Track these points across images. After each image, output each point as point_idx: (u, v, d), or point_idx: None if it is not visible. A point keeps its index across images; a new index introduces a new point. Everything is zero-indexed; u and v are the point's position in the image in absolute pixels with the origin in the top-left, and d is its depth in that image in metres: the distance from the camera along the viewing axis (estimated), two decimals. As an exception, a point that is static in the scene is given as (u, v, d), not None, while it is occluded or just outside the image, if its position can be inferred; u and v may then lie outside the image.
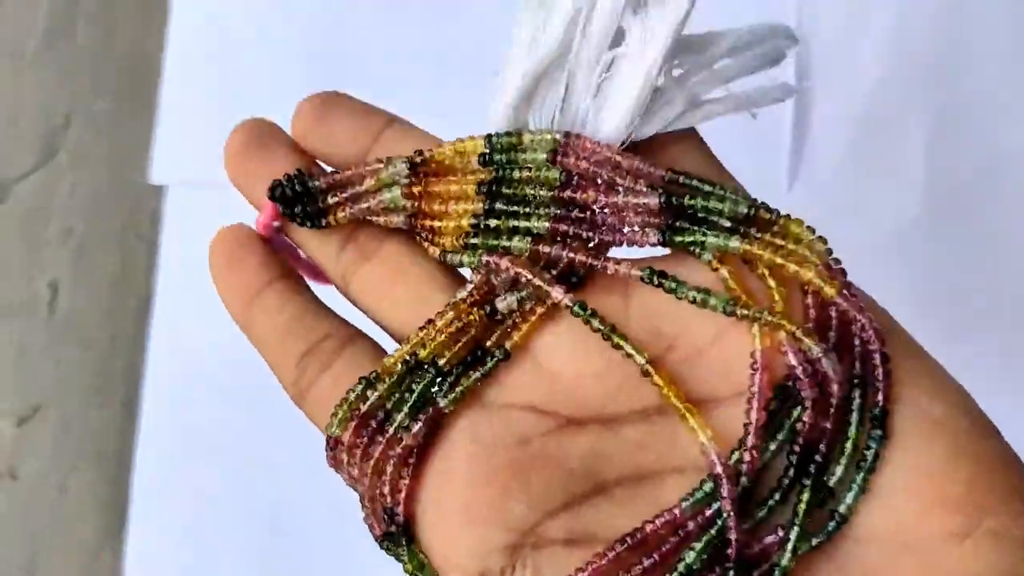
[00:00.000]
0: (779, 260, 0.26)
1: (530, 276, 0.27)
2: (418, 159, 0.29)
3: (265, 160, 0.31)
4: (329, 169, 0.31)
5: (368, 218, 0.30)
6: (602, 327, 0.27)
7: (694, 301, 0.26)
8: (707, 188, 0.27)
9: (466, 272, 0.29)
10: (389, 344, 0.30)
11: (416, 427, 0.27)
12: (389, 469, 0.27)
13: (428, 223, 0.29)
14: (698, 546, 0.25)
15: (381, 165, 0.29)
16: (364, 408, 0.28)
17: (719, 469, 0.25)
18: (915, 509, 0.25)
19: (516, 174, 0.28)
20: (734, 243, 0.26)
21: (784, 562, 0.25)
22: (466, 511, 0.27)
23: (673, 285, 0.26)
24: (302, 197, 0.30)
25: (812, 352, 0.25)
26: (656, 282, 0.26)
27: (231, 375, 0.53)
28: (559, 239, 0.27)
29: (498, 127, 0.28)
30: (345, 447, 0.28)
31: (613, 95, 0.27)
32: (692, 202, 0.26)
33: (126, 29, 0.56)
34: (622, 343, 0.27)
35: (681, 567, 0.25)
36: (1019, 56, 0.50)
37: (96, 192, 0.56)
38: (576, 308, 0.27)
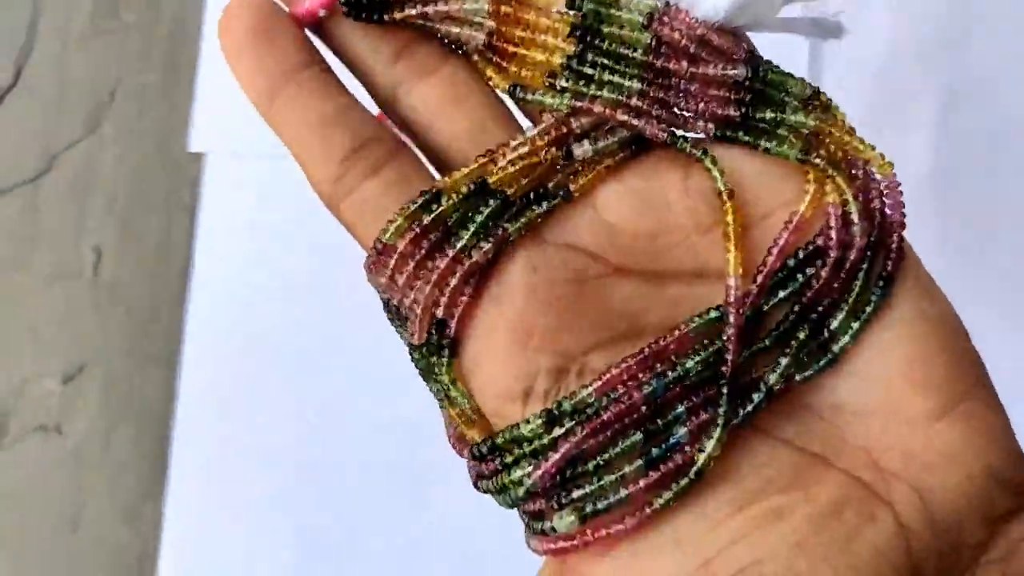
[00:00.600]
0: (846, 138, 0.28)
1: (626, 119, 0.28)
2: None
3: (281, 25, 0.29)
4: None
5: (436, 28, 0.28)
6: (695, 150, 0.28)
7: (768, 150, 0.28)
8: (780, 69, 0.28)
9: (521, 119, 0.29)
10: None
11: (487, 246, 0.27)
12: (453, 282, 0.27)
13: (510, 48, 0.28)
14: (698, 357, 0.27)
15: None
16: (427, 221, 0.27)
17: (732, 295, 0.27)
18: (901, 388, 0.28)
19: (607, 28, 0.28)
20: (810, 120, 0.28)
21: (771, 380, 0.28)
22: (520, 333, 0.28)
23: (749, 138, 0.28)
24: None
25: (852, 215, 0.28)
26: (733, 134, 0.28)
27: (267, 336, 0.56)
28: (646, 101, 0.28)
29: None
30: (398, 255, 0.28)
31: None
32: (774, 77, 0.28)
33: (170, 4, 0.59)
34: (708, 163, 0.28)
35: (679, 370, 0.27)
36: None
37: (139, 162, 0.58)
38: (668, 138, 0.28)
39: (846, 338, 0.28)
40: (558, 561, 0.29)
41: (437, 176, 0.29)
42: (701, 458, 0.27)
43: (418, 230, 0.27)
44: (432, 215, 0.27)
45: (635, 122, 0.28)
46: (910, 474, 0.27)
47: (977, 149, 0.51)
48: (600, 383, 0.27)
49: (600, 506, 0.27)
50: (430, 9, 0.28)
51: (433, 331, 0.28)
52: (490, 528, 0.50)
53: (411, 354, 0.29)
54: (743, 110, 0.28)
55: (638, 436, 0.27)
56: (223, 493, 0.55)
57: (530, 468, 0.27)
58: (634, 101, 0.28)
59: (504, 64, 0.29)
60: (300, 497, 0.54)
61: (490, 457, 0.28)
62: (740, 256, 0.28)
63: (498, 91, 0.29)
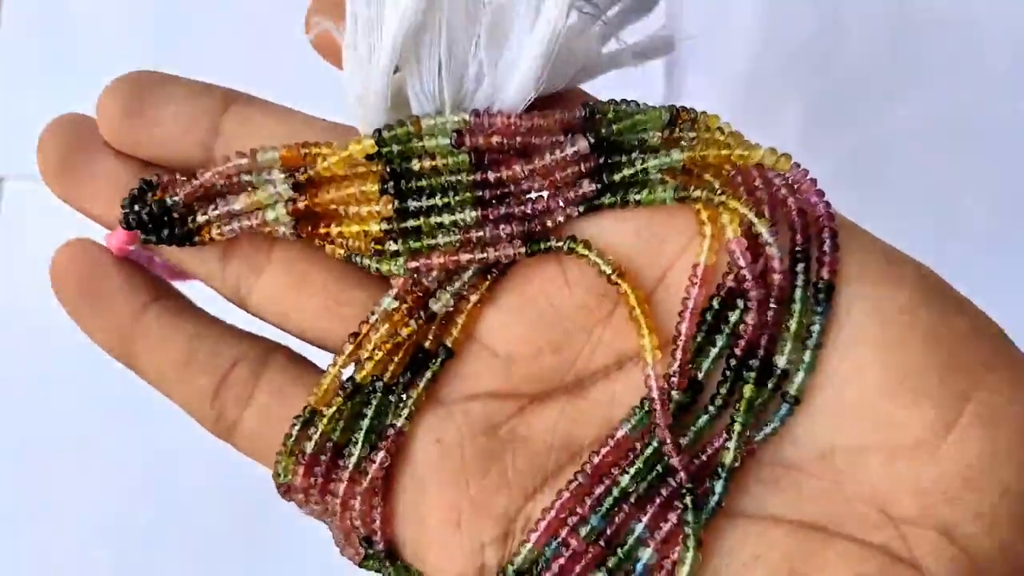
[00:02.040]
0: (724, 152, 0.24)
1: (469, 257, 0.25)
2: (302, 177, 0.25)
3: (90, 173, 0.26)
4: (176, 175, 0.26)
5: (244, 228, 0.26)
6: (561, 243, 0.25)
7: (639, 203, 0.24)
8: (625, 107, 0.25)
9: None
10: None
11: (380, 456, 0.26)
12: (358, 503, 0.26)
13: (324, 230, 0.26)
14: (632, 469, 0.24)
15: (244, 160, 0.25)
16: (309, 450, 0.26)
17: (653, 386, 0.24)
18: (889, 410, 0.23)
19: (416, 165, 0.24)
20: (676, 155, 0.24)
21: (728, 460, 0.24)
22: (449, 515, 0.25)
23: (619, 200, 0.24)
24: (162, 218, 0.26)
25: (764, 236, 0.24)
26: (599, 202, 0.24)
27: (72, 377, 0.49)
28: (488, 226, 0.25)
29: (372, 121, 0.25)
30: (299, 491, 0.26)
31: (511, 53, 0.24)
32: (620, 125, 0.24)
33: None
34: (587, 252, 0.24)
35: (615, 491, 0.24)
36: (893, 39, 0.51)
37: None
38: (529, 248, 0.25)
39: (801, 374, 0.23)
40: None
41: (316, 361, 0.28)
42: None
43: (304, 463, 0.26)
44: (312, 442, 0.26)
45: (483, 255, 0.25)
46: (931, 514, 0.22)
47: (840, 165, 0.50)
48: (537, 534, 0.24)
49: None
50: (232, 227, 0.26)
51: (366, 546, 0.26)
52: None
53: (363, 567, 0.27)
54: (600, 179, 0.24)
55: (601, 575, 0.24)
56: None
57: None
58: (475, 234, 0.25)
59: (330, 237, 0.26)
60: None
61: None
62: (655, 338, 0.24)
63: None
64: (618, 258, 0.24)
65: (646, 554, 0.24)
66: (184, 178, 0.26)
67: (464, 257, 0.25)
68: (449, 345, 0.26)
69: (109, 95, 0.26)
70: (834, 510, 0.23)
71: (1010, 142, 0.49)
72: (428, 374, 0.26)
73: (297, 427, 0.26)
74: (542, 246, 0.25)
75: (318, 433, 0.26)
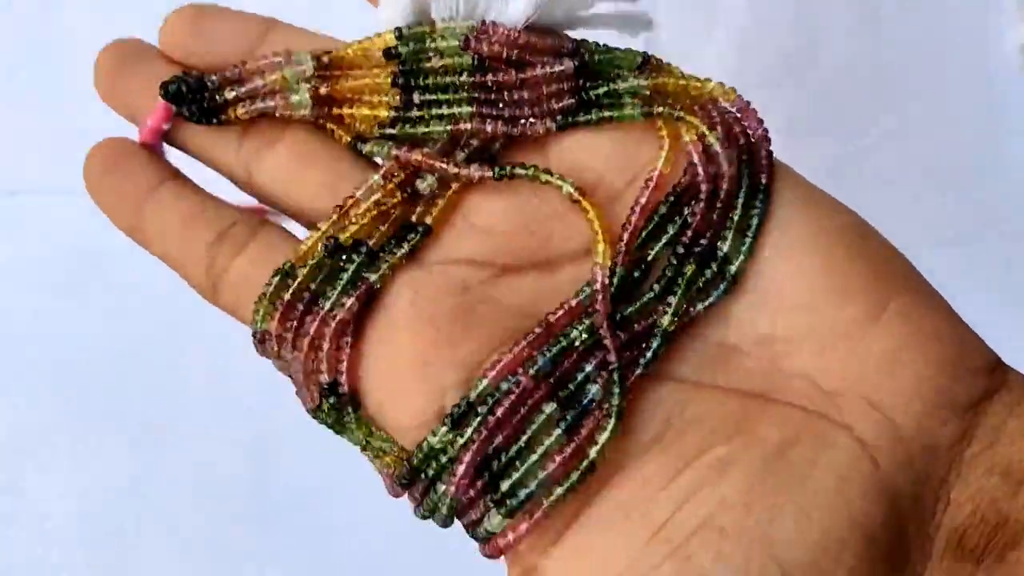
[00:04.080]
0: (682, 82, 0.29)
1: (441, 165, 0.28)
2: (325, 58, 0.29)
3: (142, 73, 0.30)
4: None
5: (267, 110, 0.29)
6: (526, 171, 0.28)
7: (611, 119, 0.28)
8: (606, 47, 0.29)
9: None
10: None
11: (349, 301, 0.28)
12: (326, 346, 0.28)
13: (338, 112, 0.29)
14: (581, 327, 0.27)
15: (280, 59, 0.29)
16: (287, 296, 0.28)
17: (598, 259, 0.27)
18: (823, 302, 0.26)
19: (428, 63, 0.29)
20: (643, 80, 0.28)
21: (665, 322, 0.27)
22: (416, 357, 0.27)
23: (595, 116, 0.28)
24: (197, 93, 0.29)
25: (713, 147, 0.27)
26: (575, 119, 0.28)
27: (53, 389, 0.50)
28: (480, 118, 0.29)
29: (395, 21, 0.29)
30: (273, 337, 0.28)
31: None
32: (600, 57, 0.29)
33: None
34: (549, 178, 0.28)
35: (564, 341, 0.27)
36: (873, 49, 0.51)
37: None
38: (496, 173, 0.28)
39: (740, 257, 0.27)
40: (513, 564, 0.27)
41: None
42: (612, 413, 0.26)
43: (282, 309, 0.28)
44: (290, 290, 0.28)
45: (455, 171, 0.28)
46: (858, 388, 0.26)
47: (821, 175, 0.50)
48: (494, 372, 0.27)
49: (522, 495, 0.26)
50: (256, 107, 0.29)
51: (328, 394, 0.28)
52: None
53: (315, 417, 0.29)
54: (579, 95, 0.28)
55: (552, 407, 0.27)
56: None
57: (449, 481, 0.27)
58: (461, 125, 0.29)
59: (343, 120, 0.29)
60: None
61: (416, 481, 0.27)
62: (608, 246, 0.27)
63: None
64: (585, 168, 0.28)
65: (593, 389, 0.27)
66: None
67: (437, 165, 0.28)
68: (428, 222, 0.29)
69: (176, 14, 0.30)
70: (772, 384, 0.27)
71: (991, 151, 0.50)
72: (406, 246, 0.28)
73: (277, 278, 0.28)
74: (508, 171, 0.28)
75: (296, 283, 0.28)
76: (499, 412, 0.26)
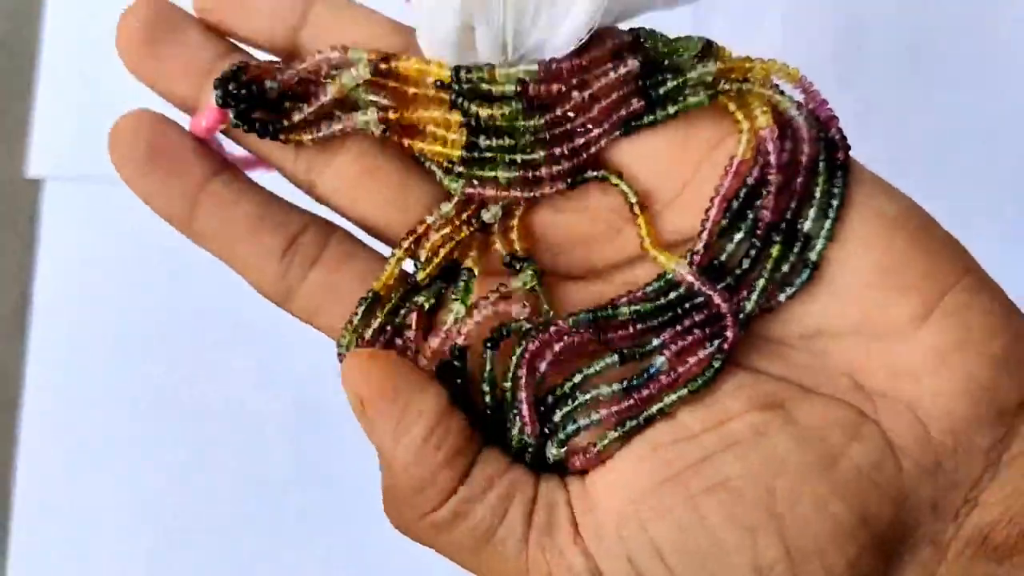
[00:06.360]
0: (748, 64, 0.28)
1: (516, 195, 0.28)
2: (382, 66, 0.28)
3: (176, 43, 0.28)
4: (261, 56, 0.29)
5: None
6: (607, 175, 0.28)
7: (677, 114, 0.27)
8: (665, 36, 0.28)
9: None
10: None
11: (436, 342, 0.28)
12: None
13: (409, 143, 0.28)
14: (649, 304, 0.28)
15: (336, 54, 0.28)
16: (368, 336, 0.28)
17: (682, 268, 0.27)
18: (875, 298, 0.26)
19: (484, 111, 0.28)
20: (711, 66, 0.27)
21: (749, 306, 0.27)
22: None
23: (659, 116, 0.27)
24: (257, 101, 0.27)
25: (795, 118, 0.27)
26: (639, 122, 0.27)
27: (116, 376, 0.51)
28: (552, 161, 0.28)
29: (438, 50, 0.28)
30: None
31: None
32: (665, 49, 0.28)
33: (2, 23, 0.53)
34: (618, 181, 0.28)
35: (628, 309, 0.28)
36: (914, 49, 0.51)
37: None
38: (568, 183, 0.28)
39: (821, 240, 0.27)
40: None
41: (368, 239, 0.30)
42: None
43: (365, 343, 0.28)
44: (371, 329, 0.28)
45: (530, 193, 0.28)
46: (898, 390, 0.26)
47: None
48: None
49: (570, 430, 0.27)
50: (326, 132, 0.28)
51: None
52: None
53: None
54: (647, 95, 0.27)
55: (613, 358, 0.27)
56: (70, 553, 0.50)
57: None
58: (532, 173, 0.28)
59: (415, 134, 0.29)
60: (157, 555, 0.50)
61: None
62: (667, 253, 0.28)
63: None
64: (649, 169, 0.28)
65: (659, 360, 0.27)
66: (279, 66, 0.28)
67: (514, 194, 0.28)
68: (474, 271, 0.29)
69: None
70: (814, 377, 0.27)
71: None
72: (462, 285, 0.29)
73: (363, 307, 0.28)
74: (578, 179, 0.28)
75: (378, 322, 0.28)
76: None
